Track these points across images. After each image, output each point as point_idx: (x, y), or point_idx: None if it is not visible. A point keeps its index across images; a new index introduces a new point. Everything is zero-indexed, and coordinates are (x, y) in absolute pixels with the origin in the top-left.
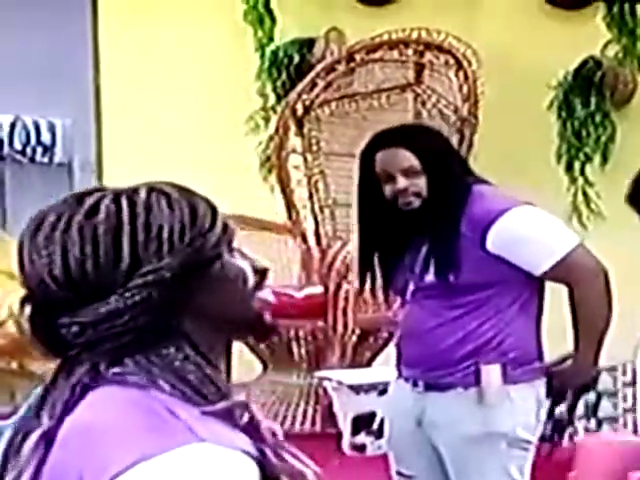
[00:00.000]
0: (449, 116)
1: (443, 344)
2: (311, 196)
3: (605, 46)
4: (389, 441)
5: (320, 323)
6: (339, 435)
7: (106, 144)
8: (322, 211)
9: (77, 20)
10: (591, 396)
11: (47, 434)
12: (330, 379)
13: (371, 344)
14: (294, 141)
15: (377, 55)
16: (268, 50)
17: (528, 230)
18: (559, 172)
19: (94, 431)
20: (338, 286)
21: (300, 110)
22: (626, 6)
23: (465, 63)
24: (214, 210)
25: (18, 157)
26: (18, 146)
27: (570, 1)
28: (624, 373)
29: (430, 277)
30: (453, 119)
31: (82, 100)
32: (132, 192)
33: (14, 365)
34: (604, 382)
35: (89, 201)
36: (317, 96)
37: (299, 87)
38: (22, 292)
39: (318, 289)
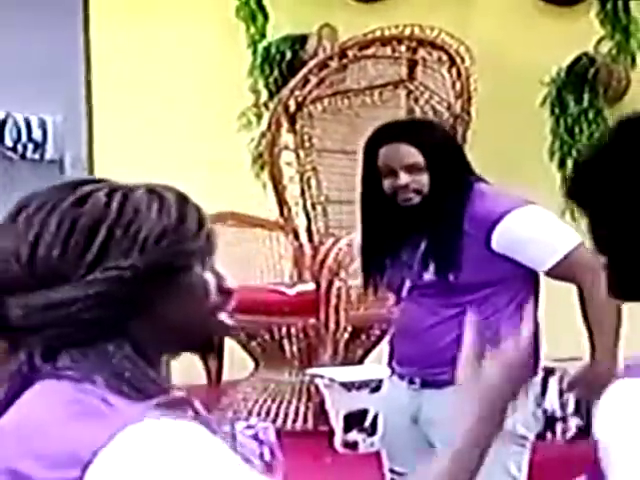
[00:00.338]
0: (442, 113)
1: (440, 343)
2: (303, 193)
3: (598, 42)
4: (383, 438)
5: (312, 320)
6: (331, 432)
7: (97, 141)
8: (314, 208)
9: (68, 17)
10: None
11: None
12: (322, 376)
13: (363, 341)
14: (286, 138)
15: (370, 51)
16: (260, 46)
17: (532, 230)
18: (552, 169)
19: (29, 428)
20: (330, 283)
21: (292, 107)
22: (619, 3)
23: (458, 60)
24: (202, 222)
25: (9, 154)
26: (9, 143)
27: None
28: None
29: (429, 275)
30: (446, 116)
31: (73, 97)
32: (129, 189)
33: None
34: None
35: (81, 191)
36: (309, 93)
37: (291, 84)
38: None
39: (310, 286)
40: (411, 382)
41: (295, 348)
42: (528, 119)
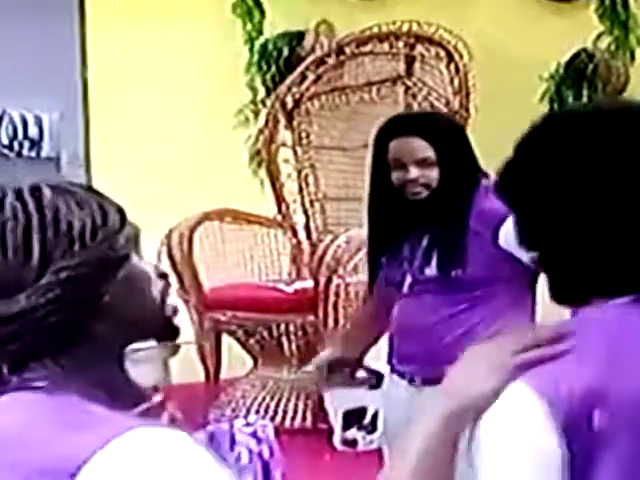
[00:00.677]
0: (440, 109)
1: (442, 341)
2: (301, 190)
3: (597, 38)
4: (383, 437)
5: (310, 318)
6: (330, 430)
7: (94, 138)
8: (312, 205)
9: (65, 13)
10: None
11: None
12: None
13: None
14: (284, 134)
15: (367, 48)
16: (257, 43)
17: None
18: None
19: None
20: (328, 280)
21: (290, 103)
22: None
23: (456, 56)
24: (122, 210)
25: (5, 151)
26: (5, 140)
27: None
28: None
29: (431, 270)
30: (444, 112)
31: (69, 94)
32: (34, 189)
33: None
34: None
35: None
36: (307, 89)
37: (289, 80)
38: None
39: (308, 283)
40: (411, 380)
41: (294, 345)
42: (527, 114)
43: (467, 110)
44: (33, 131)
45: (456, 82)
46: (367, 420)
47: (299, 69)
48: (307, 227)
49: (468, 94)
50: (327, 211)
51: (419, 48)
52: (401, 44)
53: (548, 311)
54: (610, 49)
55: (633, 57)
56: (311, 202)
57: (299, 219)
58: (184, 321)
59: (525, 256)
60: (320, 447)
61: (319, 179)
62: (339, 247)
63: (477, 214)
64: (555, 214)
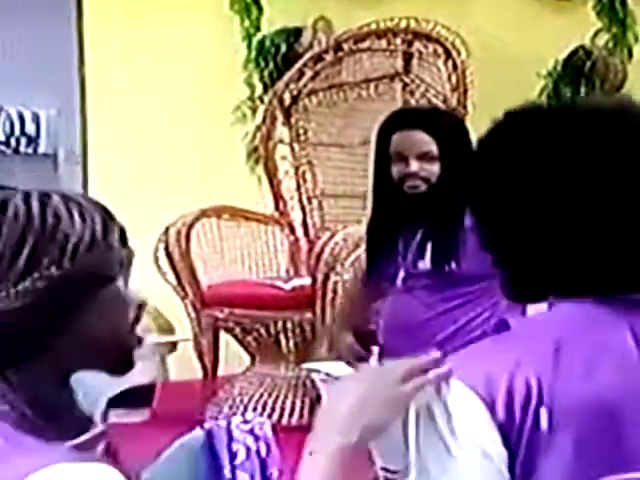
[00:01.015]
0: (438, 106)
1: (435, 337)
2: (299, 187)
3: (595, 35)
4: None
5: (308, 315)
6: None
7: (91, 135)
8: (310, 202)
9: (62, 10)
10: None
11: None
12: (318, 371)
13: None
14: (281, 131)
15: (365, 44)
16: (255, 39)
17: None
18: None
19: None
20: (326, 277)
21: (287, 100)
22: None
23: (454, 52)
24: (124, 231)
25: (2, 148)
26: (2, 137)
27: None
28: None
29: (424, 265)
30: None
31: (67, 90)
32: (43, 195)
33: None
34: None
35: None
36: (305, 86)
37: (286, 77)
38: None
39: (306, 280)
40: None
41: (291, 343)
42: None
43: (465, 107)
44: (30, 128)
45: (454, 79)
46: None
47: (297, 66)
48: (305, 224)
49: (466, 91)
50: (325, 208)
51: (417, 45)
52: (399, 41)
53: (537, 308)
54: (608, 46)
55: (631, 54)
56: (309, 199)
57: (296, 216)
58: (182, 318)
59: None
60: None
61: (317, 176)
62: (337, 244)
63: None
64: (513, 213)
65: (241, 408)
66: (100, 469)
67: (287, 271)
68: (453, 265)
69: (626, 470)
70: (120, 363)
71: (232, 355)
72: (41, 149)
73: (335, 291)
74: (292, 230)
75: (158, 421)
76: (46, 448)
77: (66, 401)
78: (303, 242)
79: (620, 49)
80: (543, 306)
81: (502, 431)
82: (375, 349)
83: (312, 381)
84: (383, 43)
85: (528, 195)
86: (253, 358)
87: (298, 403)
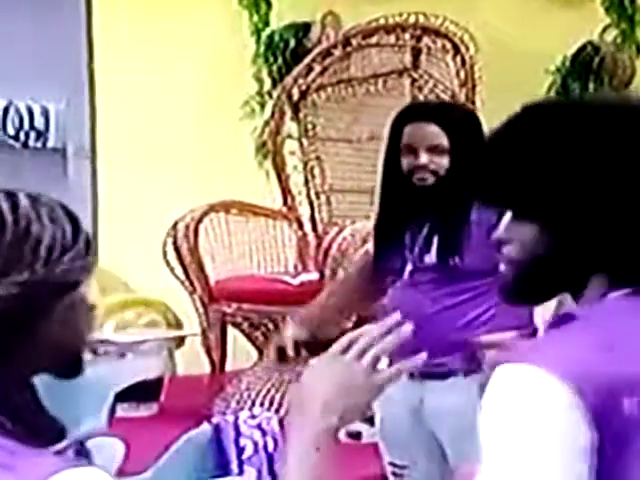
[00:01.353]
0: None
1: (441, 332)
2: (307, 182)
3: (603, 31)
4: (382, 431)
5: None
6: None
7: (100, 129)
8: (318, 197)
9: (71, 4)
10: None
11: None
12: None
13: None
14: (290, 126)
15: (373, 40)
16: (264, 34)
17: None
18: None
19: None
20: (334, 273)
21: (296, 95)
22: None
23: (462, 48)
24: (88, 236)
25: (11, 142)
26: (11, 131)
27: None
28: None
29: (430, 258)
30: None
31: (76, 84)
32: (10, 195)
33: None
34: None
35: None
36: (313, 81)
37: (295, 72)
38: None
39: (314, 276)
40: (410, 374)
41: None
42: None
43: (473, 103)
44: (39, 122)
45: (462, 74)
46: (371, 413)
47: (305, 61)
48: (313, 219)
49: (474, 86)
50: (333, 203)
51: (425, 40)
52: (407, 36)
53: (545, 305)
54: (616, 42)
55: (639, 50)
56: (317, 194)
57: (305, 211)
58: (190, 313)
59: None
60: None
61: (325, 171)
62: (345, 239)
63: (479, 205)
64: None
65: (249, 403)
66: (99, 474)
67: (295, 266)
68: (457, 259)
69: None
70: (73, 367)
71: (240, 350)
72: (50, 143)
73: None
74: (300, 225)
75: (166, 415)
76: (43, 456)
77: (32, 404)
78: (311, 237)
79: (629, 45)
80: (551, 304)
81: (589, 418)
82: None
83: None
84: (391, 38)
85: (545, 193)
86: (261, 353)
87: None
